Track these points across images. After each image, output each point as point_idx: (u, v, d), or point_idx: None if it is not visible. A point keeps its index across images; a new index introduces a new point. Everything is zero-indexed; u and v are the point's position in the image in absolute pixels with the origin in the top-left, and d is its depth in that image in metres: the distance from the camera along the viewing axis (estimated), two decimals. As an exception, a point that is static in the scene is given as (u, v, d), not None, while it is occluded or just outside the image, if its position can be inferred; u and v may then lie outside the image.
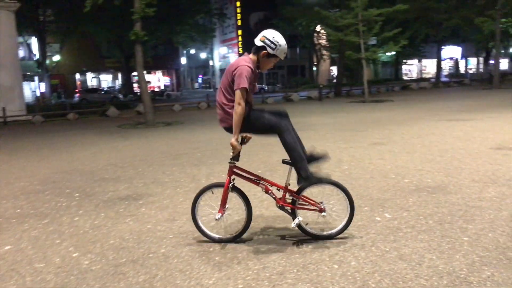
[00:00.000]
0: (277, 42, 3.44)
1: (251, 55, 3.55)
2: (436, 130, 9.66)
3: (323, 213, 3.63)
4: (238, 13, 48.82)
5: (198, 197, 3.79)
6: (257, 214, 4.47)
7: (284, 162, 3.67)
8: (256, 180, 3.68)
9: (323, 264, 3.24)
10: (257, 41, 3.49)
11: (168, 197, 5.36)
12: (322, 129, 11.09)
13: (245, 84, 3.34)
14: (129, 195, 5.56)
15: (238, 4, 48.62)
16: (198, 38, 36.20)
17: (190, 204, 4.97)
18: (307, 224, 3.78)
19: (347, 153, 7.50)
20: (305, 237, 3.73)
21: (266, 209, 4.63)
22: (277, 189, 3.66)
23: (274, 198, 3.65)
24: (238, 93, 3.35)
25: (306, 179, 3.54)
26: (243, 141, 3.69)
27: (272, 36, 3.45)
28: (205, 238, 3.85)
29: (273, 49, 3.45)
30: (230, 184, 3.62)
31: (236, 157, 3.56)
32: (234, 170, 3.63)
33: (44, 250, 3.83)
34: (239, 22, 49.01)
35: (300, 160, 3.52)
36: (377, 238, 3.67)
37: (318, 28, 35.54)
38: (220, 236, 3.82)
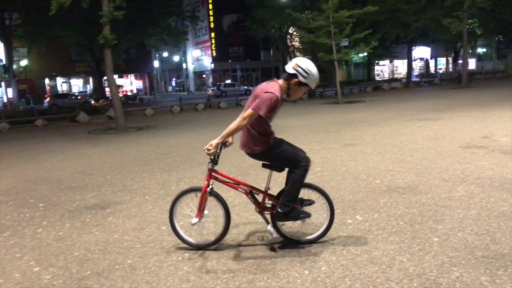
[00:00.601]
0: (310, 71, 3.34)
1: (281, 81, 3.40)
2: (407, 130, 9.78)
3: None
4: (211, 15, 48.66)
5: (176, 200, 3.66)
6: (227, 220, 4.38)
7: (264, 166, 3.58)
8: (235, 184, 3.60)
9: (294, 270, 3.18)
10: (290, 69, 3.36)
11: (136, 205, 5.21)
12: (295, 131, 11.08)
13: (263, 111, 3.21)
14: (96, 203, 5.38)
15: (210, 6, 48.47)
16: (171, 41, 35.74)
17: (158, 211, 4.88)
18: (285, 227, 3.73)
19: (319, 155, 7.49)
20: (276, 243, 3.67)
21: (237, 214, 4.54)
22: (256, 193, 3.59)
23: (254, 203, 3.58)
24: (250, 112, 3.23)
25: (283, 216, 3.48)
26: (225, 145, 3.57)
27: (305, 65, 3.35)
28: (173, 247, 3.73)
29: (305, 78, 3.34)
30: (208, 188, 3.52)
31: (214, 160, 3.45)
32: (213, 174, 3.54)
33: (3, 265, 3.64)
34: (212, 25, 48.87)
35: (293, 199, 3.44)
36: (348, 241, 3.64)
37: (291, 30, 35.72)
38: (197, 242, 3.71)
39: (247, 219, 4.39)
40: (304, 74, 3.34)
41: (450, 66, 53.31)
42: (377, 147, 7.90)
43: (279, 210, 3.44)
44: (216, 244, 3.67)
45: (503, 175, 5.39)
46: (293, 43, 41.24)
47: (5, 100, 37.58)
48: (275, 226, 3.58)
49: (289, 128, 11.72)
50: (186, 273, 3.25)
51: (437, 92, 24.47)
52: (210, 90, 41.55)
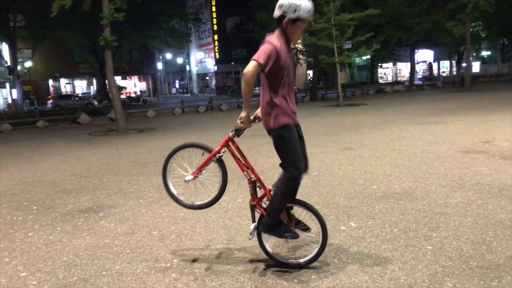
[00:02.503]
0: (295, 3, 2.96)
1: (277, 31, 3.09)
2: (407, 134, 9.70)
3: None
4: (214, 18, 48.72)
5: (176, 151, 3.47)
6: (220, 225, 4.33)
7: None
8: (245, 166, 3.30)
9: (283, 279, 3.11)
10: (276, 13, 3.05)
11: (130, 208, 5.16)
12: (295, 134, 11.00)
13: (262, 59, 2.90)
14: (89, 207, 5.33)
15: (213, 9, 48.53)
16: (174, 43, 35.82)
17: (151, 215, 4.83)
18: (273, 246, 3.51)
19: (317, 159, 7.42)
20: (260, 254, 3.60)
21: (229, 219, 4.48)
22: (259, 186, 3.32)
23: (251, 194, 3.31)
24: (249, 64, 2.92)
25: (267, 227, 3.17)
26: (254, 120, 3.27)
27: (287, 1, 2.98)
28: (162, 252, 3.68)
29: (295, 12, 2.96)
30: (218, 155, 3.27)
31: (238, 132, 3.19)
32: (230, 143, 3.26)
33: (-10, 270, 3.59)
34: (215, 27, 48.93)
35: (274, 211, 3.13)
36: (340, 249, 3.57)
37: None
38: (189, 203, 3.51)
39: (240, 224, 4.32)
40: (291, 8, 2.97)
41: (454, 69, 53.10)
42: (376, 151, 7.83)
43: (264, 220, 3.20)
44: (206, 208, 3.50)
45: (503, 181, 5.31)
46: (296, 45, 41.19)
47: (10, 101, 37.79)
48: (258, 235, 3.32)
49: (289, 131, 11.64)
50: (174, 280, 3.19)
51: (440, 95, 24.35)
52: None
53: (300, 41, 35.28)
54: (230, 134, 3.22)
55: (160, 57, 54.88)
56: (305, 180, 5.91)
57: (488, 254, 3.31)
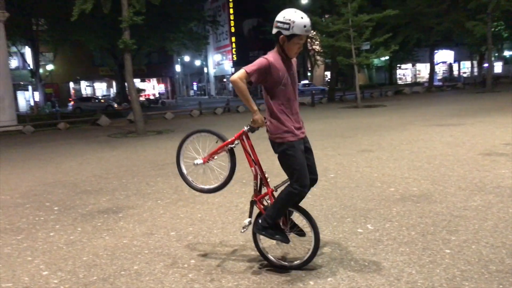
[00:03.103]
0: (289, 19, 2.96)
1: (275, 48, 3.14)
2: (426, 136, 9.58)
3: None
4: (232, 20, 48.92)
5: (193, 134, 3.57)
6: (236, 227, 4.36)
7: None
8: (253, 161, 3.32)
9: (299, 280, 3.12)
10: (273, 30, 3.07)
11: (148, 209, 5.24)
12: (312, 135, 10.94)
13: (251, 67, 3.00)
14: (109, 208, 5.43)
15: (231, 11, 48.74)
16: (192, 45, 36.10)
17: (169, 216, 4.89)
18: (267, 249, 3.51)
19: (334, 161, 7.40)
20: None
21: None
22: (264, 184, 3.36)
23: (254, 190, 3.36)
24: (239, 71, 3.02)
25: (261, 227, 3.21)
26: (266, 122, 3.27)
27: (282, 16, 3.00)
28: (180, 253, 3.73)
29: (288, 29, 2.98)
30: (231, 145, 3.31)
31: (253, 128, 3.21)
32: (243, 137, 3.31)
33: (14, 268, 3.69)
34: (233, 29, 49.11)
35: (272, 217, 3.17)
36: (357, 251, 3.56)
37: (310, 33, 35.57)
38: (200, 186, 3.60)
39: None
40: (285, 25, 2.98)
41: (475, 69, 52.17)
42: (394, 153, 7.76)
43: (259, 220, 3.25)
44: (202, 192, 3.65)
45: (524, 184, 5.21)
46: (313, 46, 41.06)
47: (32, 103, 38.67)
48: (254, 234, 3.38)
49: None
50: (191, 280, 3.23)
51: (460, 96, 23.97)
52: None
53: (317, 42, 35.21)
54: (245, 128, 3.26)
55: (178, 59, 55.35)
56: (322, 182, 5.93)
57: (508, 258, 3.26)
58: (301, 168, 3.08)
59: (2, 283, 3.42)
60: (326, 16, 26.41)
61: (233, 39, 49.47)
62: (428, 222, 4.13)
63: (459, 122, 11.70)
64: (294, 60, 3.25)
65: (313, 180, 3.27)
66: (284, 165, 3.16)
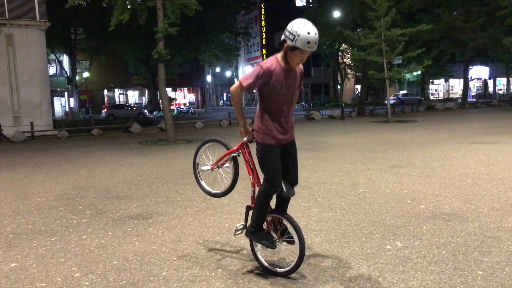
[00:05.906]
0: (295, 32, 2.99)
1: (280, 53, 3.24)
2: (458, 153, 9.37)
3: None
4: (263, 32, 49.35)
5: (205, 143, 3.94)
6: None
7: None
8: (252, 170, 3.54)
9: (326, 294, 3.11)
10: (282, 36, 3.15)
11: (177, 217, 5.32)
12: (341, 149, 10.92)
13: (246, 81, 3.17)
14: (139, 214, 5.55)
15: (263, 23, 49.20)
16: (223, 56, 36.62)
17: (198, 225, 4.96)
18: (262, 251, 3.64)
19: (363, 176, 7.33)
20: (304, 268, 3.60)
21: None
22: None
23: (252, 197, 3.57)
24: (236, 82, 3.23)
25: (250, 231, 3.43)
26: (252, 131, 3.49)
27: (291, 27, 3.03)
28: (207, 262, 3.77)
29: (292, 40, 3.01)
30: (234, 153, 3.62)
31: (250, 140, 3.48)
32: (243, 146, 3.57)
33: (47, 268, 3.82)
34: (264, 41, 49.52)
35: (256, 218, 3.36)
36: (385, 268, 3.51)
37: (342, 47, 35.46)
38: (214, 191, 3.94)
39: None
40: (290, 36, 3.02)
41: (511, 86, 50.69)
42: (425, 170, 7.62)
43: (248, 226, 3.45)
44: (210, 196, 3.98)
45: (562, 207, 5.02)
46: (344, 60, 40.95)
47: (67, 109, 39.98)
48: (251, 241, 3.56)
49: (334, 146, 11.57)
50: (218, 289, 3.27)
51: (495, 114, 23.32)
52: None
53: (348, 55, 35.06)
54: (245, 139, 3.52)
55: (210, 70, 56.16)
56: (350, 197, 5.89)
57: (544, 283, 3.15)
58: (273, 170, 3.25)
59: (36, 282, 3.54)
60: (358, 30, 26.28)
61: (264, 51, 49.86)
62: (459, 242, 4.04)
63: (493, 140, 11.38)
64: (300, 67, 3.34)
65: (292, 182, 3.42)
66: (260, 164, 3.36)
